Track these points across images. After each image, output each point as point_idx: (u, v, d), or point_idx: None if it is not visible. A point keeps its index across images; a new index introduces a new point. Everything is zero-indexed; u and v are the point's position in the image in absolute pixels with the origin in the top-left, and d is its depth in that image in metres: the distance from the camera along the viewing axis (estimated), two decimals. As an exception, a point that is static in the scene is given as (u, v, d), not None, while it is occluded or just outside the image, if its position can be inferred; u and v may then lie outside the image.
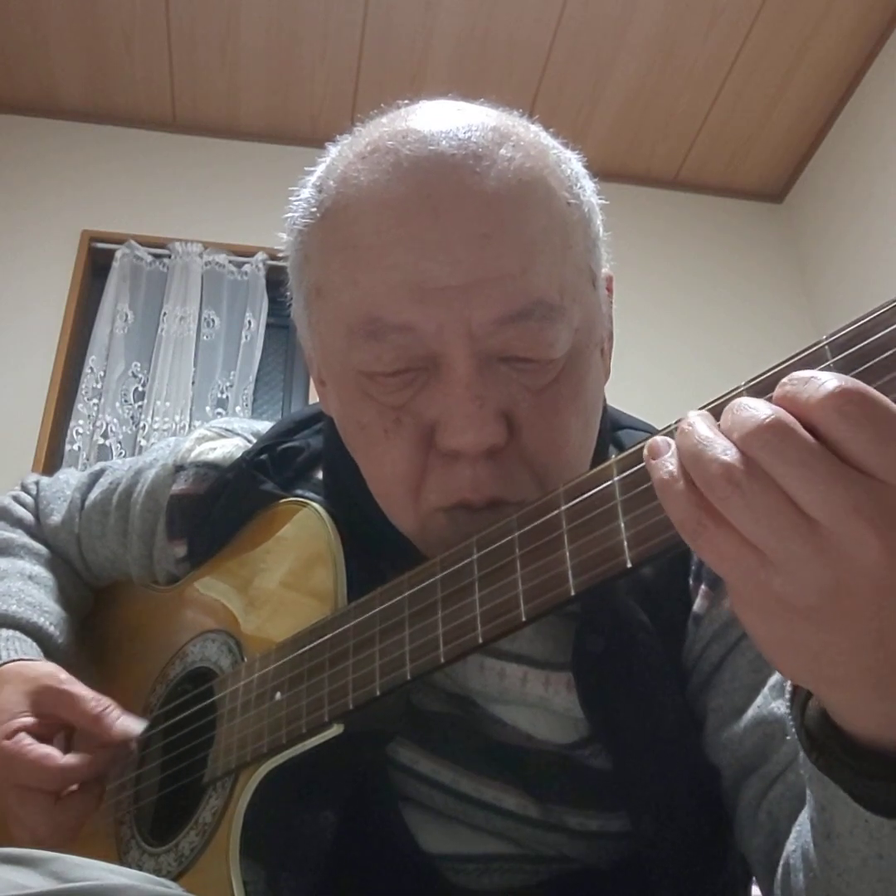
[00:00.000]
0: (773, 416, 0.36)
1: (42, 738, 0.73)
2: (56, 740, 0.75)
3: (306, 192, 0.65)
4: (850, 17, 2.88)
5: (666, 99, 3.11)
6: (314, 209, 0.63)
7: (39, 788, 0.71)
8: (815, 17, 2.87)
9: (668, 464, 0.39)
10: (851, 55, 3.00)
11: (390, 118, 0.63)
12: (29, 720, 0.73)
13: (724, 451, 0.37)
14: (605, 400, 0.69)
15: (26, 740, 0.72)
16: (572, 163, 0.65)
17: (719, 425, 0.38)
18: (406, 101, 0.65)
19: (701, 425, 0.39)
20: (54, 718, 0.75)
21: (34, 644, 0.82)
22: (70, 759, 0.71)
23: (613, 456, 0.50)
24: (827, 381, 0.35)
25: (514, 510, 0.58)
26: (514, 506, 0.58)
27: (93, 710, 0.73)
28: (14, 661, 0.78)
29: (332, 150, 0.66)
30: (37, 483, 0.99)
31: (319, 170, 0.65)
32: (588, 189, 0.65)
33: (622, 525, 0.47)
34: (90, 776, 0.72)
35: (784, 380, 0.37)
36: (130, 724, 0.74)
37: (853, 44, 2.96)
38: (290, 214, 0.66)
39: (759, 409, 0.37)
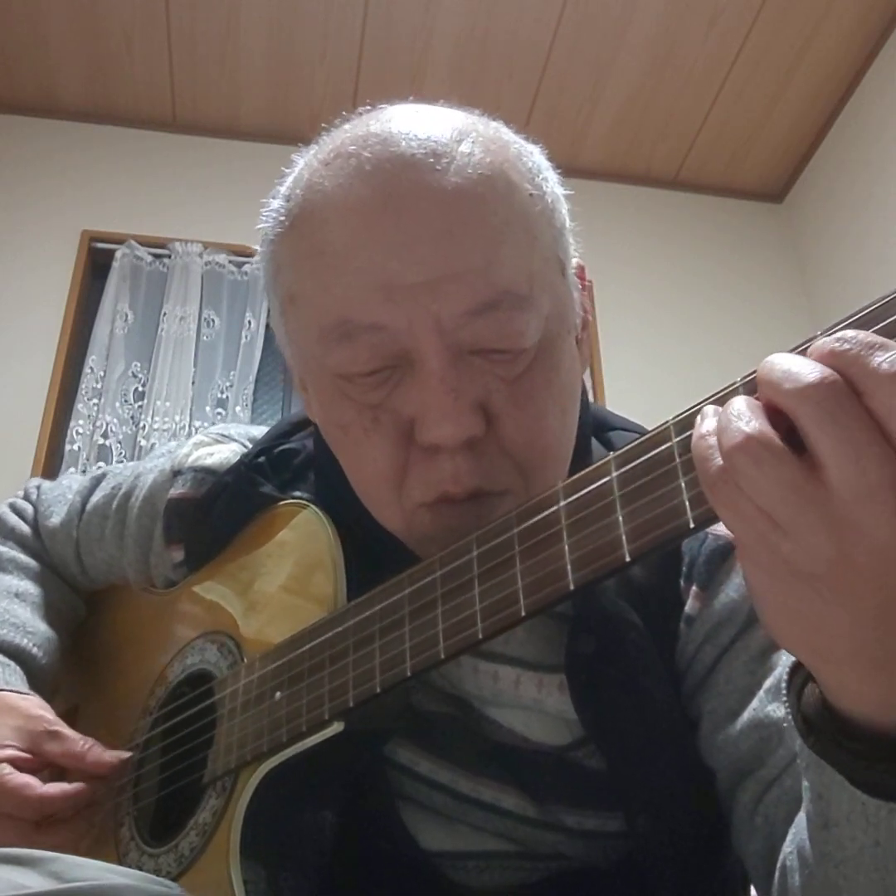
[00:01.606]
0: (830, 376, 0.37)
1: (27, 773, 0.73)
2: (42, 775, 0.75)
3: (276, 203, 0.65)
4: (850, 17, 2.88)
5: (666, 99, 3.11)
6: (283, 218, 0.64)
7: (18, 816, 0.71)
8: (815, 17, 2.87)
9: (707, 423, 0.41)
10: (851, 55, 3.00)
11: (352, 124, 0.64)
12: (15, 753, 0.74)
13: (748, 422, 0.38)
14: (593, 400, 0.69)
15: (7, 769, 0.72)
16: (534, 156, 0.65)
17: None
18: (367, 108, 0.65)
19: (741, 399, 0.40)
20: (42, 756, 0.75)
21: (16, 668, 0.82)
22: (49, 789, 0.71)
23: (611, 453, 0.50)
24: None
25: (496, 501, 0.59)
26: (497, 496, 0.59)
27: (79, 746, 0.75)
28: (1, 691, 0.78)
29: (299, 160, 0.67)
30: (38, 487, 0.99)
31: (287, 180, 0.66)
32: (551, 180, 0.66)
33: (620, 519, 0.47)
34: (69, 809, 0.73)
35: (843, 337, 0.37)
36: (117, 754, 0.75)
37: (853, 44, 2.96)
38: (261, 226, 0.67)
39: (811, 368, 0.37)
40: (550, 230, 0.63)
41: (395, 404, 0.60)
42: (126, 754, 0.76)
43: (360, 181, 0.59)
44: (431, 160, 0.58)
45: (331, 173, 0.61)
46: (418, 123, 0.61)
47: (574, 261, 0.67)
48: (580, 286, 0.67)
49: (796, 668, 0.47)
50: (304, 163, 0.65)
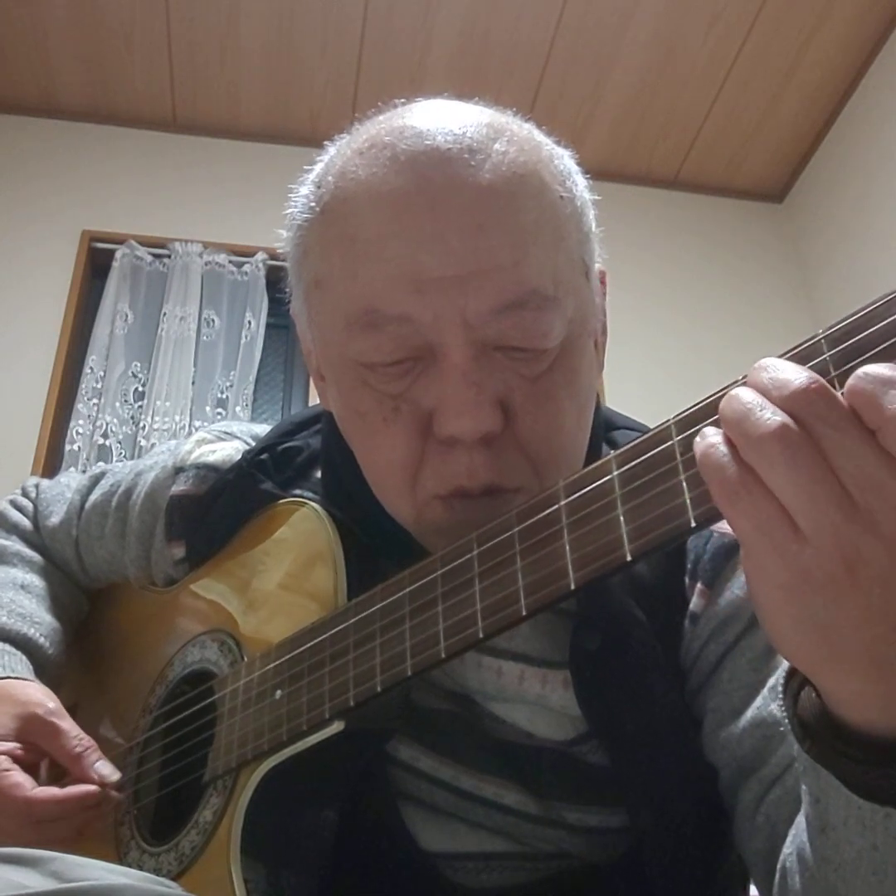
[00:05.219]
0: (816, 382, 0.38)
1: (25, 763, 0.74)
2: (42, 766, 0.75)
3: (305, 189, 0.66)
4: (850, 17, 2.88)
5: (666, 99, 3.11)
6: (313, 204, 0.64)
7: (8, 814, 0.71)
8: (815, 17, 2.87)
9: (711, 435, 0.41)
10: (851, 55, 3.00)
11: (387, 116, 0.65)
12: (13, 745, 0.74)
13: (775, 412, 0.38)
14: (599, 399, 0.69)
15: (4, 765, 0.72)
16: (564, 159, 0.66)
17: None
18: (403, 100, 0.66)
19: (747, 391, 0.40)
20: (37, 747, 0.75)
21: (23, 657, 0.82)
22: (39, 793, 0.71)
23: (612, 452, 0.50)
24: None
25: (510, 497, 0.59)
26: (511, 492, 0.60)
27: (73, 749, 0.74)
28: (4, 679, 0.78)
29: (331, 148, 0.67)
30: (37, 485, 0.99)
31: (318, 167, 0.67)
32: (580, 184, 0.66)
33: (622, 519, 0.47)
34: (58, 815, 0.72)
35: (862, 375, 0.37)
36: (107, 771, 0.74)
37: (853, 44, 2.96)
38: (289, 211, 0.68)
39: (800, 373, 0.39)
40: (578, 233, 0.64)
41: (416, 395, 0.60)
42: (114, 776, 0.74)
43: (395, 172, 0.59)
44: (466, 156, 0.59)
45: (365, 162, 0.61)
46: (454, 119, 0.61)
47: (597, 266, 0.67)
48: (602, 292, 0.68)
49: (793, 672, 0.47)
50: (336, 151, 0.66)
